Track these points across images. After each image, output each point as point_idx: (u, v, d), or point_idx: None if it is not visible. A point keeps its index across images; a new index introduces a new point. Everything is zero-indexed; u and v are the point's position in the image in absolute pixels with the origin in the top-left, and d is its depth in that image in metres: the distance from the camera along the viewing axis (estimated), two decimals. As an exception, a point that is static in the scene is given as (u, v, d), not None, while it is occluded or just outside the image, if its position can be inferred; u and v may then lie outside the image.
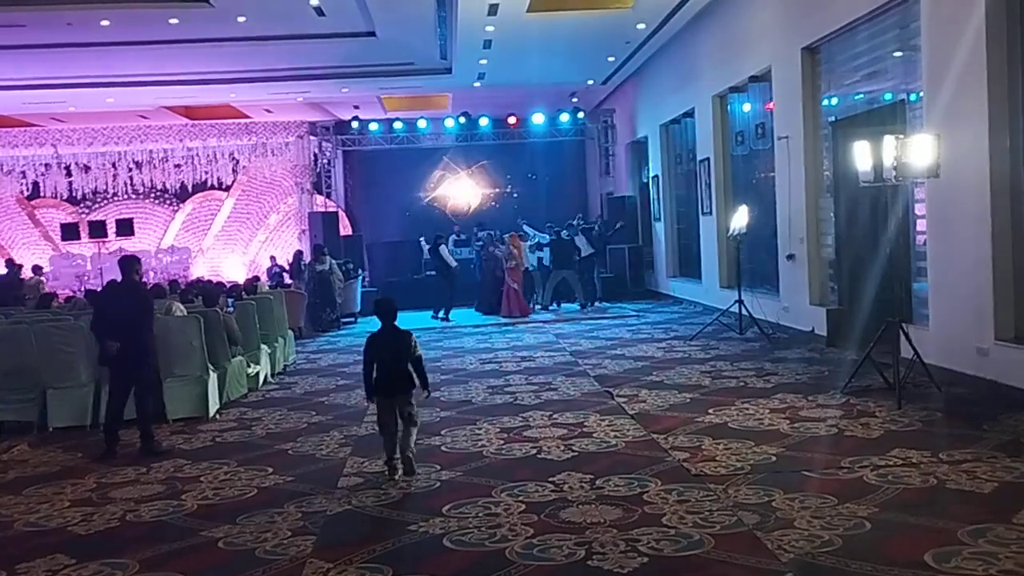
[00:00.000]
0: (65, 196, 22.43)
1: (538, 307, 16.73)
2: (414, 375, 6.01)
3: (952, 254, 7.85)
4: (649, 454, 6.17)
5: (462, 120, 21.02)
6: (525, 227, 18.30)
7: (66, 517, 5.52)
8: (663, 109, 17.30)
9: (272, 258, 19.94)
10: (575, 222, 18.24)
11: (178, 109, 20.57)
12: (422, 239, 19.19)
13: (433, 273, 17.00)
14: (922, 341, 7.74)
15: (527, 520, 4.87)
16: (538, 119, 21.28)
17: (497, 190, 23.34)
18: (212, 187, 22.72)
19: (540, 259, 17.30)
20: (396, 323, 6.12)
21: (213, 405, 8.51)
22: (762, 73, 12.35)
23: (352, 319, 16.81)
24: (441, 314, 15.98)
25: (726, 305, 12.46)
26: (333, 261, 16.12)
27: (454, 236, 19.72)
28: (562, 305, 17.08)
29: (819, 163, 10.93)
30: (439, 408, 8.19)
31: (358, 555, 4.49)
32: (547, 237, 17.28)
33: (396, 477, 5.88)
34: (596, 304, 17.18)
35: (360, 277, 17.87)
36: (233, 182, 22.78)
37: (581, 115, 21.47)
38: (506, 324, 15.06)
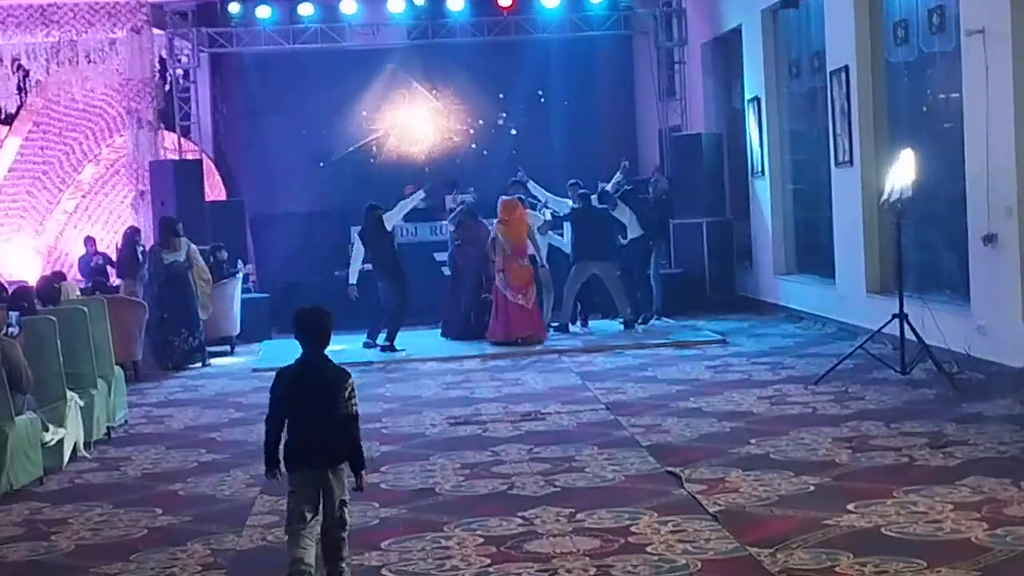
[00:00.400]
0: None
1: (552, 326, 16.74)
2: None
3: None
4: (744, 582, 6.20)
5: (419, 1, 21.02)
6: (529, 186, 18.07)
7: None
8: (768, -18, 17.37)
9: (89, 241, 19.89)
10: (618, 180, 18.11)
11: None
12: (356, 233, 18.60)
13: (367, 268, 16.93)
14: None
15: None
16: (551, 0, 21.30)
17: (481, 123, 23.37)
18: (-19, 118, 22.72)
19: (558, 244, 17.31)
20: (326, 352, 6.35)
21: (-17, 498, 8.49)
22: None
23: (227, 347, 16.77)
24: (381, 339, 15.97)
25: (877, 323, 12.47)
26: (194, 247, 16.07)
27: (374, 203, 19.17)
28: (590, 322, 17.08)
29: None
30: (377, 503, 8.17)
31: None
32: (568, 205, 17.23)
33: None
34: (653, 321, 17.21)
35: (241, 275, 17.86)
36: (18, 110, 22.74)
37: (626, -8, 21.54)
38: (497, 356, 15.09)
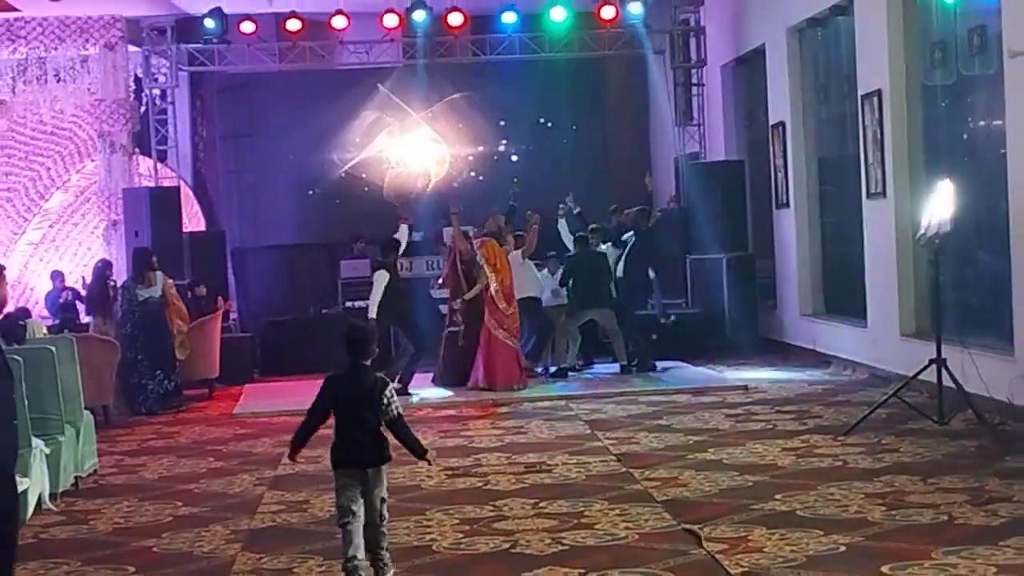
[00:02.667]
0: None
1: (540, 370, 16.73)
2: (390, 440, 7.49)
3: None
4: (770, 652, 6.18)
5: (418, 17, 21.10)
6: (559, 224, 18.01)
7: None
8: (795, 0, 17.43)
9: (56, 275, 19.93)
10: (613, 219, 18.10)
11: None
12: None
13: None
14: None
15: None
16: (558, 15, 21.35)
17: (482, 149, 23.43)
18: (-59, 141, 22.79)
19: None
20: (366, 363, 7.55)
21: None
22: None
23: (205, 391, 16.77)
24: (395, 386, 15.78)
25: (913, 369, 12.47)
26: (170, 282, 16.09)
27: (396, 236, 19.52)
28: (593, 364, 17.08)
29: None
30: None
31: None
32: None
33: None
34: (650, 370, 17.16)
35: (222, 313, 17.87)
36: (-17, 131, 22.84)
37: (638, 9, 21.56)
38: (500, 403, 15.11)
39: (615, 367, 16.99)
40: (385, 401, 7.34)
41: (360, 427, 7.35)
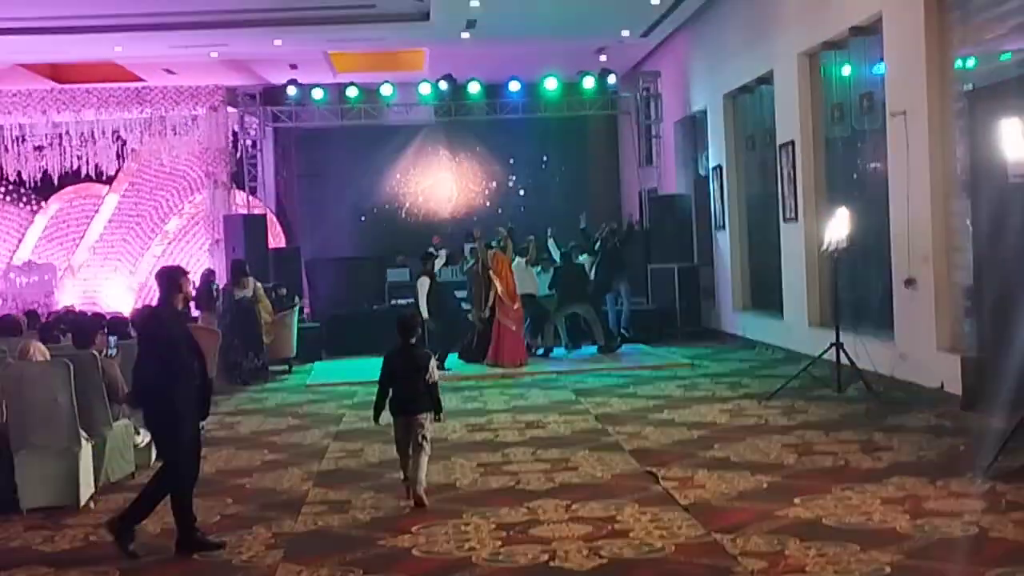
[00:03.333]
0: None
1: (539, 351, 16.73)
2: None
3: None
4: (709, 562, 6.17)
5: (444, 86, 21.11)
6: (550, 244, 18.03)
7: None
8: (729, 72, 17.44)
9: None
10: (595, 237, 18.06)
11: (42, 68, 20.67)
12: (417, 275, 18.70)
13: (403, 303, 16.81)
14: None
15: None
16: (551, 86, 21.38)
17: (494, 185, 23.44)
18: (88, 178, 22.78)
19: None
20: (413, 342, 8.39)
21: (86, 490, 8.47)
22: (869, 23, 12.43)
23: (286, 367, 16.80)
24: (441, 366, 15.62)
25: (818, 350, 12.45)
26: (259, 285, 16.12)
27: (431, 250, 19.61)
28: (581, 347, 17.06)
29: (950, 149, 10.96)
30: (408, 496, 8.16)
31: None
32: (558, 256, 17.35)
33: (411, 495, 8.04)
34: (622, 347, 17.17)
35: (298, 308, 17.91)
36: (117, 172, 22.84)
37: (612, 80, 21.57)
38: (507, 375, 15.08)
39: (593, 349, 16.90)
40: (429, 370, 8.15)
41: (412, 388, 8.13)
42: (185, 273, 7.44)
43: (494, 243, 16.33)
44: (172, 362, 6.78)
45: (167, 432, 7.07)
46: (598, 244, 17.70)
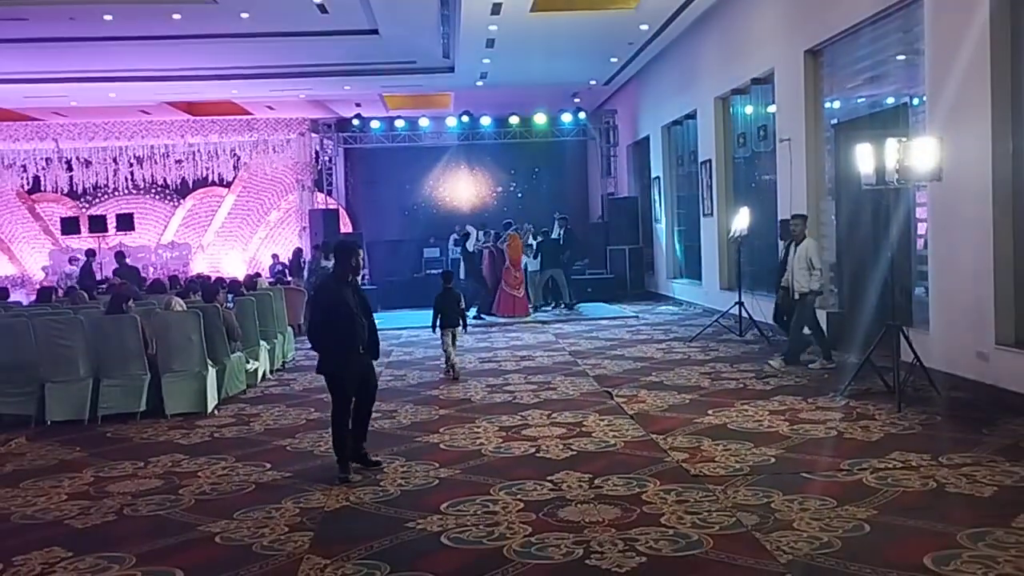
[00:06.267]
0: (66, 191, 22.40)
1: (549, 308, 16.62)
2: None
3: (953, 258, 7.84)
4: (648, 454, 6.17)
5: (464, 119, 20.97)
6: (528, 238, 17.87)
7: (63, 510, 5.51)
8: (665, 110, 17.29)
9: (275, 256, 19.92)
10: (555, 222, 17.89)
11: (180, 105, 20.57)
12: (454, 236, 19.05)
13: (437, 271, 16.74)
14: (923, 345, 7.73)
15: (525, 519, 4.87)
16: (540, 119, 21.20)
17: (499, 189, 23.34)
18: (213, 183, 22.69)
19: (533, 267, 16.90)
20: (451, 286, 10.03)
21: (211, 401, 8.50)
22: (765, 75, 12.35)
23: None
24: (474, 312, 15.33)
25: (726, 307, 12.45)
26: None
27: (455, 235, 19.64)
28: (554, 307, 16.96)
29: (821, 166, 10.91)
30: (438, 407, 8.19)
31: (355, 552, 4.49)
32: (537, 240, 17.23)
33: (450, 375, 9.69)
34: (566, 309, 16.58)
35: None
36: (234, 178, 22.76)
37: (583, 115, 21.39)
38: (505, 323, 15.04)
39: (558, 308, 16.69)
40: (460, 302, 10.01)
41: (452, 312, 9.83)
42: (356, 249, 6.44)
43: (512, 229, 16.34)
44: (329, 315, 6.08)
45: (323, 369, 6.14)
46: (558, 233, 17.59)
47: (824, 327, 9.83)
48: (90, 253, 18.23)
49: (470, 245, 16.81)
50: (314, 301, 6.52)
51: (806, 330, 9.54)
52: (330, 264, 15.70)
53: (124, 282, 13.37)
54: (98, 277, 17.24)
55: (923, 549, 4.15)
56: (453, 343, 9.94)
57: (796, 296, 9.45)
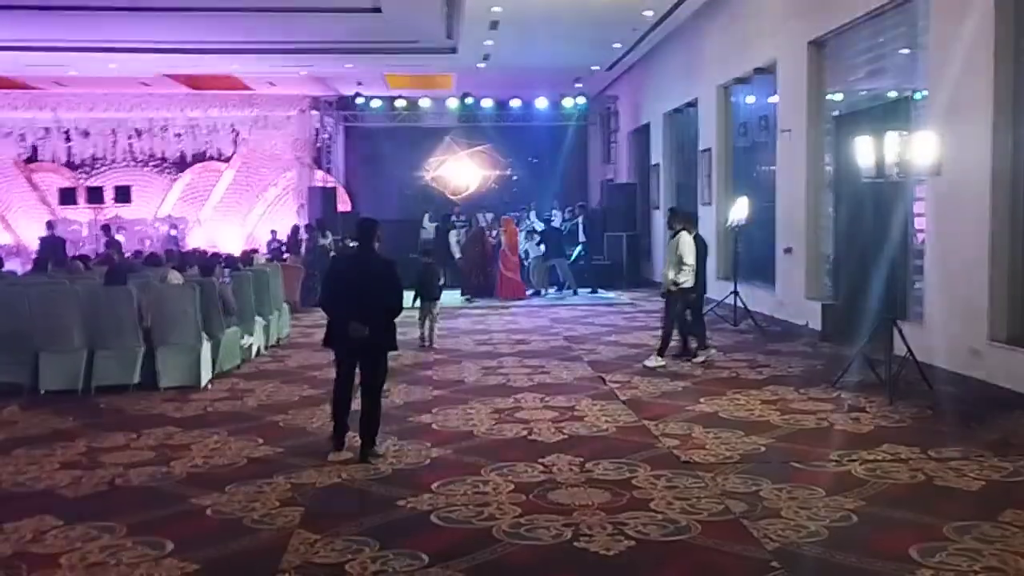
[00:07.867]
0: (64, 161, 22.26)
1: (530, 292, 16.66)
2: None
3: (950, 253, 7.85)
4: (639, 440, 6.19)
5: (465, 101, 20.93)
6: (531, 217, 17.94)
7: (55, 479, 5.52)
8: (667, 98, 17.22)
9: (273, 232, 19.87)
10: (565, 216, 17.90)
11: (180, 78, 20.42)
12: (427, 216, 19.10)
13: (420, 257, 16.73)
14: (916, 339, 7.75)
15: (515, 500, 4.89)
16: (541, 103, 21.18)
17: (498, 173, 23.28)
18: (212, 158, 22.56)
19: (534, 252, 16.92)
20: (431, 261, 11.13)
21: (205, 374, 8.50)
22: (767, 66, 12.30)
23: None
24: (467, 296, 15.65)
25: (722, 296, 12.47)
26: (331, 236, 16.09)
27: (454, 217, 19.58)
28: (552, 291, 16.98)
29: (820, 158, 10.89)
30: (432, 387, 8.20)
31: (345, 528, 4.50)
32: (541, 225, 17.25)
33: (425, 345, 10.42)
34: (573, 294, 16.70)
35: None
36: (233, 154, 22.64)
37: (584, 101, 21.38)
38: (501, 307, 15.04)
39: (566, 292, 16.79)
40: (440, 277, 10.92)
41: (430, 287, 10.53)
42: (375, 227, 6.55)
43: (508, 214, 16.36)
44: (336, 288, 6.06)
45: (330, 342, 6.07)
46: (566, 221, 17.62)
47: (821, 318, 9.83)
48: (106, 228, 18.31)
49: (452, 237, 16.62)
50: (323, 275, 6.84)
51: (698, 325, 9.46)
52: (327, 241, 15.83)
53: (111, 253, 13.41)
54: (90, 247, 17.26)
55: (909, 540, 4.18)
56: (431, 317, 10.58)
57: (666, 291, 9.25)
